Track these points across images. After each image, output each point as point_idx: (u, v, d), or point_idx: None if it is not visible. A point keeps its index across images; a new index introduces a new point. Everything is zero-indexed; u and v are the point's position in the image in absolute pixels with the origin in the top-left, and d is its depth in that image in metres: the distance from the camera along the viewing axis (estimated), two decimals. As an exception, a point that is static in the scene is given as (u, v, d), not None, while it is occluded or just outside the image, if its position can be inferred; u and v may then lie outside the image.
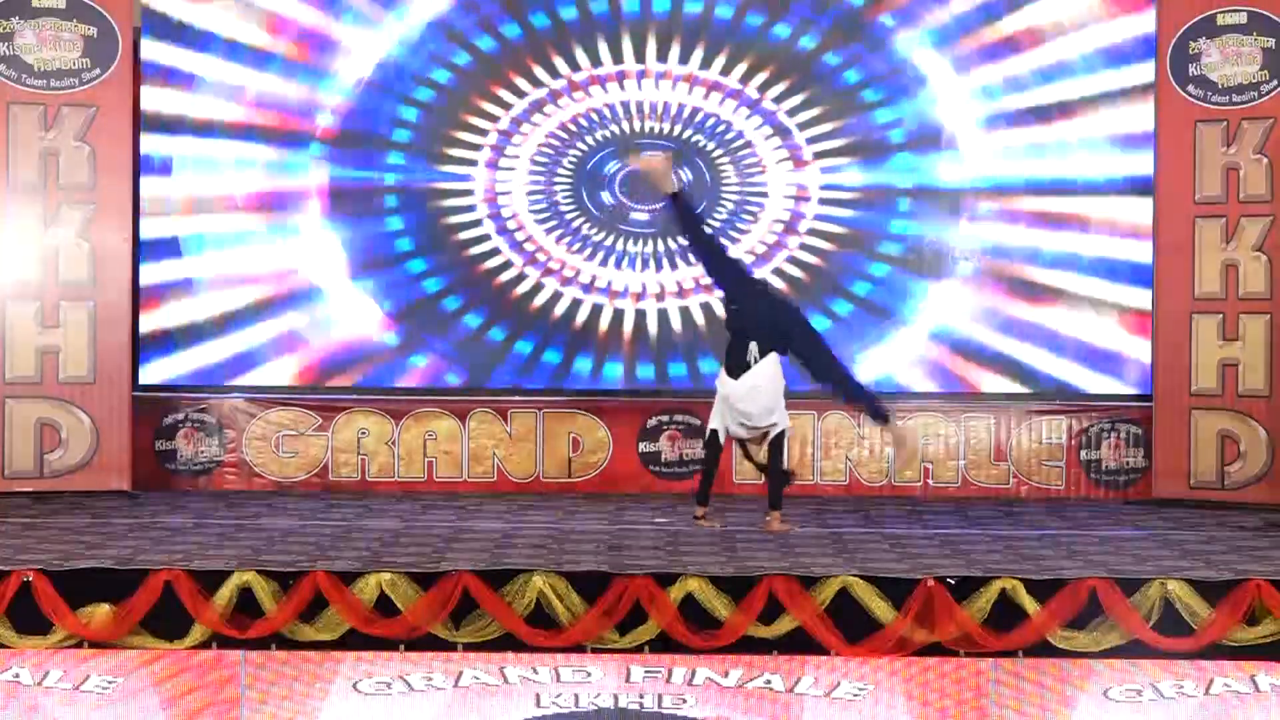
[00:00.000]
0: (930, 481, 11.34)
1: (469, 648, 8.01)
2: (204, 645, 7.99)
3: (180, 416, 11.41)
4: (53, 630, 7.96)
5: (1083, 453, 11.37)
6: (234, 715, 8.02)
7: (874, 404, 9.30)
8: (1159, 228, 11.11)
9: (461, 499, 10.97)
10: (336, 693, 8.06)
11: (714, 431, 9.40)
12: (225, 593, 7.96)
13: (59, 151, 10.92)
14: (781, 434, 9.48)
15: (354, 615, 7.93)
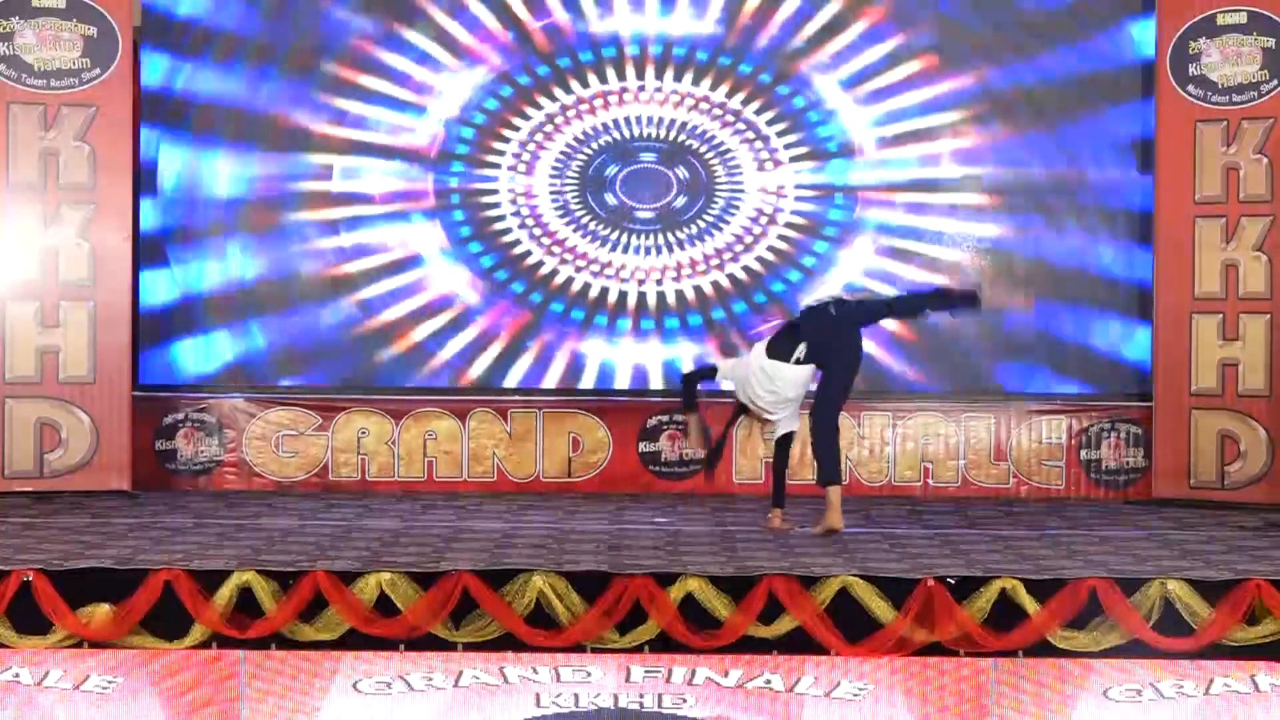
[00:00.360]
0: (930, 481, 11.34)
1: (469, 647, 8.01)
2: (204, 645, 7.98)
3: (180, 416, 11.41)
4: (53, 630, 7.94)
5: (1083, 453, 11.37)
6: (234, 715, 8.01)
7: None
8: (1159, 227, 11.12)
9: (461, 499, 10.97)
10: (336, 692, 8.06)
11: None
12: (225, 593, 7.95)
13: (59, 151, 10.92)
14: (789, 436, 9.50)
15: (354, 615, 7.93)
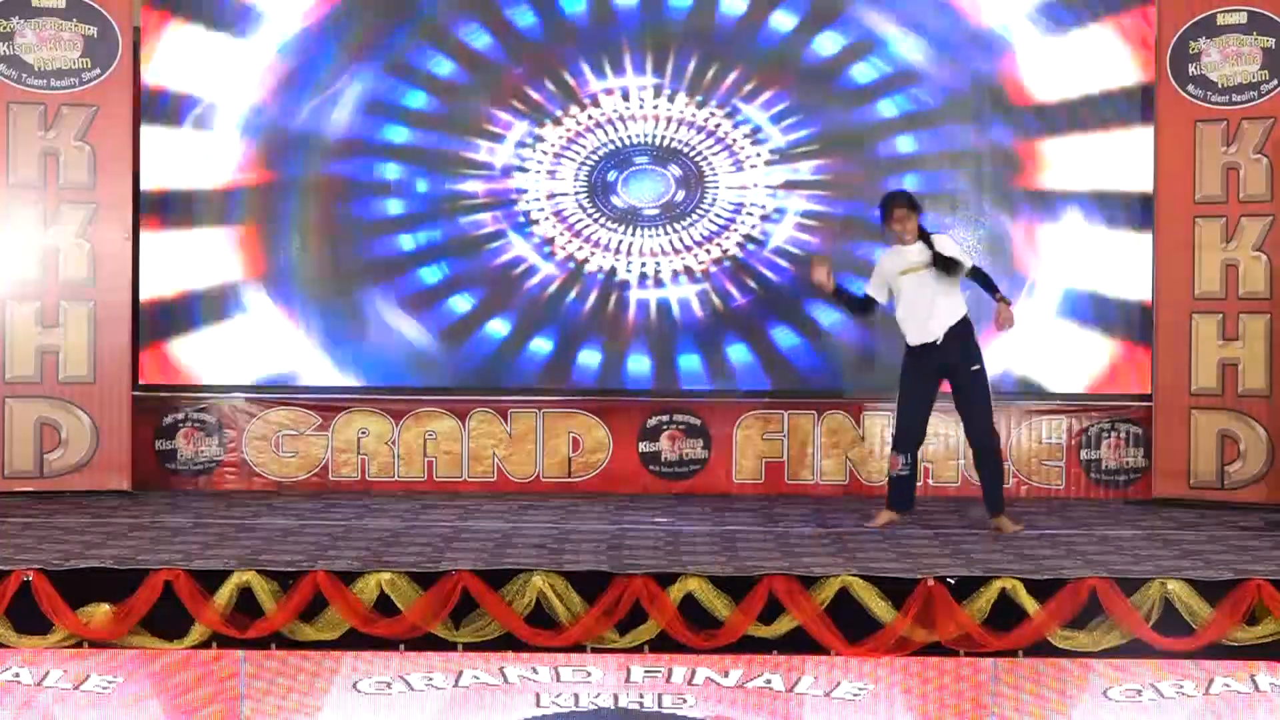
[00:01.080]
0: (930, 481, 11.34)
1: (469, 647, 8.01)
2: (204, 645, 7.98)
3: (180, 416, 11.41)
4: (53, 630, 7.95)
5: (1083, 453, 11.37)
6: (234, 715, 8.01)
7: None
8: (1159, 227, 11.11)
9: (461, 499, 10.97)
10: (336, 693, 8.06)
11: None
12: (225, 592, 7.95)
13: (59, 151, 10.92)
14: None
15: (354, 615, 7.93)
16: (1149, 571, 8.28)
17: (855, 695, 8.02)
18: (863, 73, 11.38)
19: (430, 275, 11.34)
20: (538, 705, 8.08)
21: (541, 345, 11.34)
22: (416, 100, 11.34)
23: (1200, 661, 7.98)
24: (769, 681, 8.03)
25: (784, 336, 11.41)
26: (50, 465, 10.90)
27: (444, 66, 11.35)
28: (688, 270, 11.43)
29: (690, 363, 11.41)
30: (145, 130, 11.20)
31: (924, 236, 9.72)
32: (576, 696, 8.08)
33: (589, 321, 11.39)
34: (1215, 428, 10.91)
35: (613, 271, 11.43)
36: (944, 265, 9.61)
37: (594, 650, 7.99)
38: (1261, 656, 7.95)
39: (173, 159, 11.24)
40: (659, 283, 11.43)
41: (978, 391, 9.69)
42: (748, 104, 11.39)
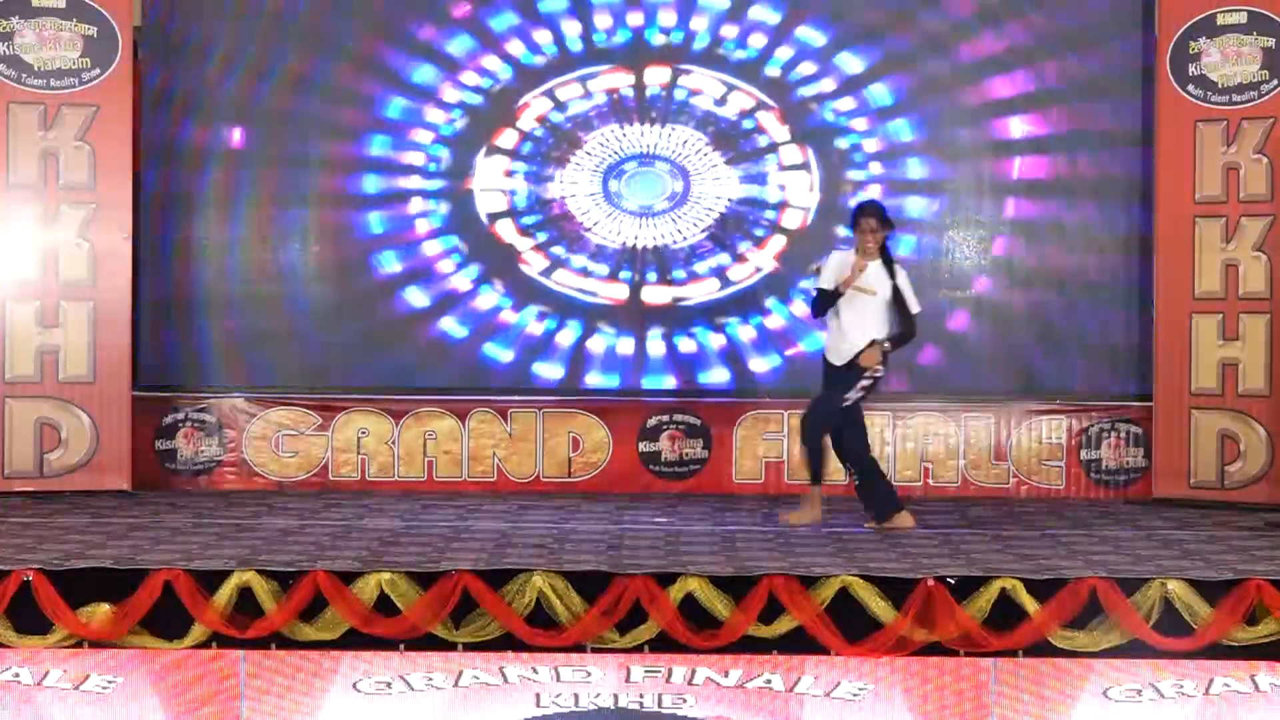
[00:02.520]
0: (930, 481, 11.34)
1: (469, 647, 8.01)
2: (204, 645, 7.98)
3: (180, 416, 11.41)
4: (53, 630, 7.95)
5: (1083, 453, 11.37)
6: (234, 714, 8.01)
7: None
8: (1159, 227, 11.12)
9: (461, 499, 10.97)
10: (336, 692, 8.06)
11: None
12: (225, 592, 7.95)
13: (59, 151, 10.92)
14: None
15: (354, 615, 7.93)
16: (1149, 571, 8.28)
17: (855, 695, 8.02)
18: (748, 123, 11.74)
19: (540, 236, 11.58)
20: (538, 705, 8.08)
21: (599, 268, 11.61)
22: (527, 147, 11.67)
23: (1200, 661, 7.98)
24: (769, 681, 8.03)
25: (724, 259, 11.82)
26: (50, 465, 10.89)
27: (538, 131, 11.66)
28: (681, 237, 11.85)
29: (679, 274, 11.65)
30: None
31: (887, 260, 9.72)
32: (576, 696, 8.08)
33: (620, 254, 11.64)
34: (1215, 428, 10.91)
35: (634, 240, 11.79)
36: (904, 329, 9.73)
37: (594, 650, 7.99)
38: (1261, 656, 7.95)
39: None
40: (660, 246, 11.71)
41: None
42: (705, 137, 11.72)
